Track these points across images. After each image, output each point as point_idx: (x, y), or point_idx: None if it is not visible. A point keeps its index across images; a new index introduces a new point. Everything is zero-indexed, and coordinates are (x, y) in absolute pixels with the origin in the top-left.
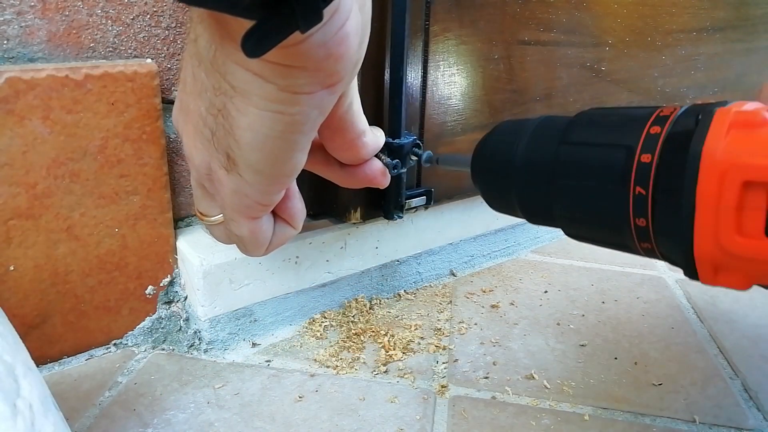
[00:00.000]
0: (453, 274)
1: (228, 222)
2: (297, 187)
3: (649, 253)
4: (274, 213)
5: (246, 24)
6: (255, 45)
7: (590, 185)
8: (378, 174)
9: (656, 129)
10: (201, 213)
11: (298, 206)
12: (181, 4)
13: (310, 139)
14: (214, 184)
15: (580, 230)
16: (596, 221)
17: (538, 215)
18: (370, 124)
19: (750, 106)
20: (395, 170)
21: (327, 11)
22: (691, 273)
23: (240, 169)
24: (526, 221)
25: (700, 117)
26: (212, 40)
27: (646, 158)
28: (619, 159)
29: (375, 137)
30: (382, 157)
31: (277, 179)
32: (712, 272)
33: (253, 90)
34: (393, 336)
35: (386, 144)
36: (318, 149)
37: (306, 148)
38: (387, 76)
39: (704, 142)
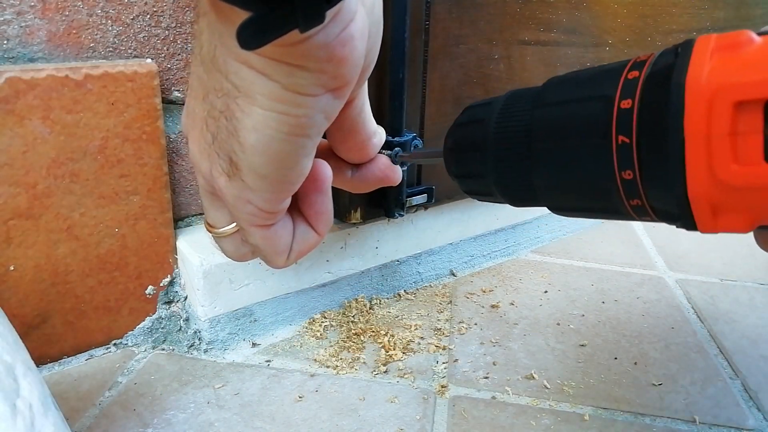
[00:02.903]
0: (453, 274)
1: (241, 230)
2: (330, 187)
3: (640, 212)
4: (299, 214)
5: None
6: (250, 37)
7: (569, 145)
8: (389, 170)
9: (634, 73)
10: (210, 225)
11: (327, 207)
12: (182, 4)
13: (315, 145)
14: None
15: (565, 200)
16: (580, 185)
17: (518, 193)
18: None
19: (733, 32)
20: (397, 159)
21: (329, 13)
22: (688, 222)
23: (243, 173)
24: (535, 220)
25: (679, 50)
26: (213, 37)
27: (626, 104)
28: (597, 110)
29: (381, 137)
30: (383, 152)
31: (281, 185)
32: (710, 215)
33: (256, 89)
34: (393, 336)
35: (387, 142)
36: (327, 158)
37: (311, 154)
38: (388, 76)
39: (687, 70)
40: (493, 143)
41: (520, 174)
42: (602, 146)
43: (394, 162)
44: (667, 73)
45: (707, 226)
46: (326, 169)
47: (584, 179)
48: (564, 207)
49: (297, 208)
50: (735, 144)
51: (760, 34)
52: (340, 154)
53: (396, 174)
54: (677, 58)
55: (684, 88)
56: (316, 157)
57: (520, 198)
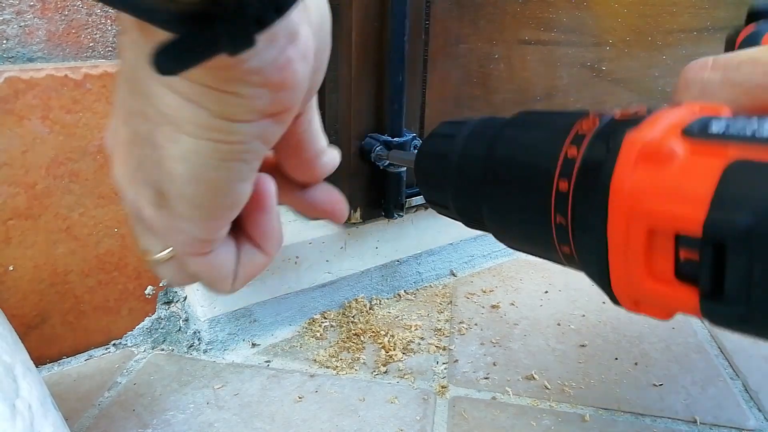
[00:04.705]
0: (453, 274)
1: (177, 257)
2: (276, 204)
3: (581, 271)
4: (243, 234)
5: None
6: (168, 61)
7: (515, 208)
8: (335, 205)
9: (573, 151)
10: (145, 251)
11: (273, 225)
12: None
13: (255, 169)
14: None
15: (516, 246)
16: (527, 242)
17: (474, 224)
18: (371, 124)
19: (663, 123)
20: (389, 164)
21: (262, 36)
22: (615, 302)
23: (173, 203)
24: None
25: (610, 144)
26: (136, 57)
27: (563, 186)
28: (539, 184)
29: (332, 157)
30: (377, 148)
31: (217, 213)
32: (633, 305)
33: (183, 116)
34: (393, 336)
35: (386, 143)
36: (274, 172)
37: (251, 178)
38: (387, 76)
39: (612, 176)
40: (453, 176)
41: (474, 211)
42: (542, 220)
43: (376, 160)
44: (596, 170)
45: (631, 310)
46: (269, 186)
47: (530, 240)
48: (516, 249)
49: (240, 228)
50: (649, 260)
51: (686, 133)
52: (288, 171)
53: (340, 215)
54: (607, 155)
55: (608, 197)
56: (262, 170)
57: (477, 227)
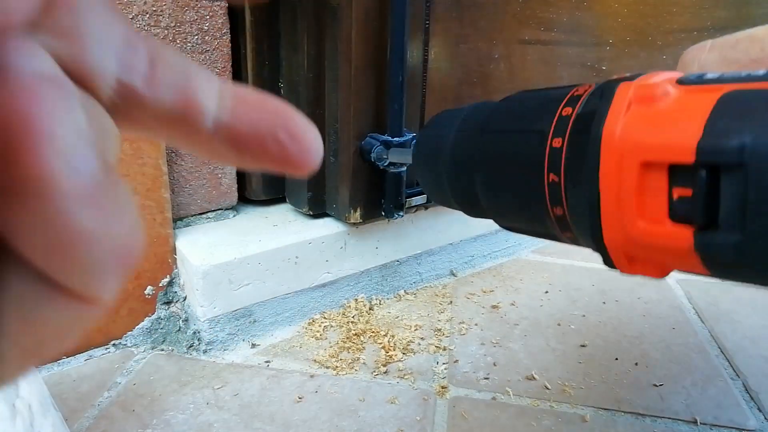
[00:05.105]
0: (453, 275)
1: None
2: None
3: (575, 242)
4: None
5: None
6: None
7: (508, 175)
8: (283, 125)
9: (568, 110)
10: None
11: (63, 213)
12: (181, 4)
13: None
14: None
15: (510, 222)
16: (519, 212)
17: (470, 208)
18: (371, 124)
19: (658, 77)
20: (389, 163)
21: None
22: (608, 262)
23: None
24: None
25: (603, 95)
26: None
27: (557, 143)
28: (533, 145)
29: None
30: (377, 147)
31: None
32: (626, 262)
33: None
34: (393, 336)
35: (386, 143)
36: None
37: None
38: (387, 76)
39: (604, 122)
40: (448, 162)
41: (470, 194)
42: (536, 181)
43: (376, 160)
44: (590, 120)
45: (624, 269)
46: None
47: (522, 208)
48: (510, 227)
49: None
50: (642, 201)
51: (680, 82)
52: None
53: (301, 148)
54: (600, 104)
55: (600, 140)
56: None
57: (474, 213)
